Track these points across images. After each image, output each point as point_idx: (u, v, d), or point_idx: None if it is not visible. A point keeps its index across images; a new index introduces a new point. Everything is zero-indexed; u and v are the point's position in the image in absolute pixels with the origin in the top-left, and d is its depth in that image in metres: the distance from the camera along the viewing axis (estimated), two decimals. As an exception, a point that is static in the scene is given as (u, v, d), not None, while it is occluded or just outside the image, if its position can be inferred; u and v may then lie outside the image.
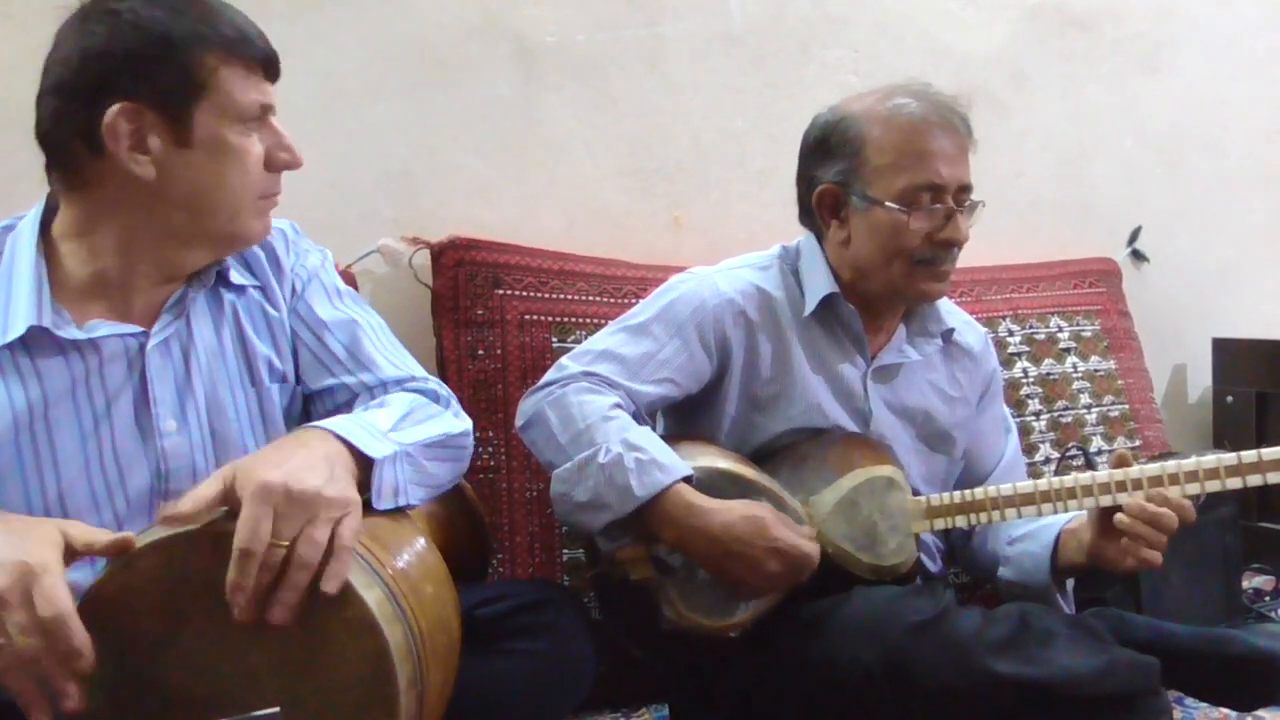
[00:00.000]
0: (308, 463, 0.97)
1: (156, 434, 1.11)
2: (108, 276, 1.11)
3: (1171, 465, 1.33)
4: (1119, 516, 1.31)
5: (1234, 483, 1.32)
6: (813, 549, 1.32)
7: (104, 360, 1.09)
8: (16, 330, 1.05)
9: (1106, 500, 1.35)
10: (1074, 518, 1.44)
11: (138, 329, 1.11)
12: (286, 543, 0.91)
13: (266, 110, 1.12)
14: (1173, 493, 1.31)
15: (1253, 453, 1.31)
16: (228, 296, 1.19)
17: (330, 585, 0.91)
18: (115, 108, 1.03)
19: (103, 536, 0.95)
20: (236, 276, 1.19)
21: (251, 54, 1.09)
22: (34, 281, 1.07)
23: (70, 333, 1.07)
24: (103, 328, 1.09)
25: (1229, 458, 1.32)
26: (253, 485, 0.92)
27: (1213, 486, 1.32)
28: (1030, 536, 1.48)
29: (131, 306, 1.12)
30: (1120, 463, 1.36)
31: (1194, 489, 1.32)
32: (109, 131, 1.04)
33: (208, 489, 0.95)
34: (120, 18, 1.04)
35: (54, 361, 1.07)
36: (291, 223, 1.26)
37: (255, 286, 1.21)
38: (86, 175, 1.07)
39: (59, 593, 0.88)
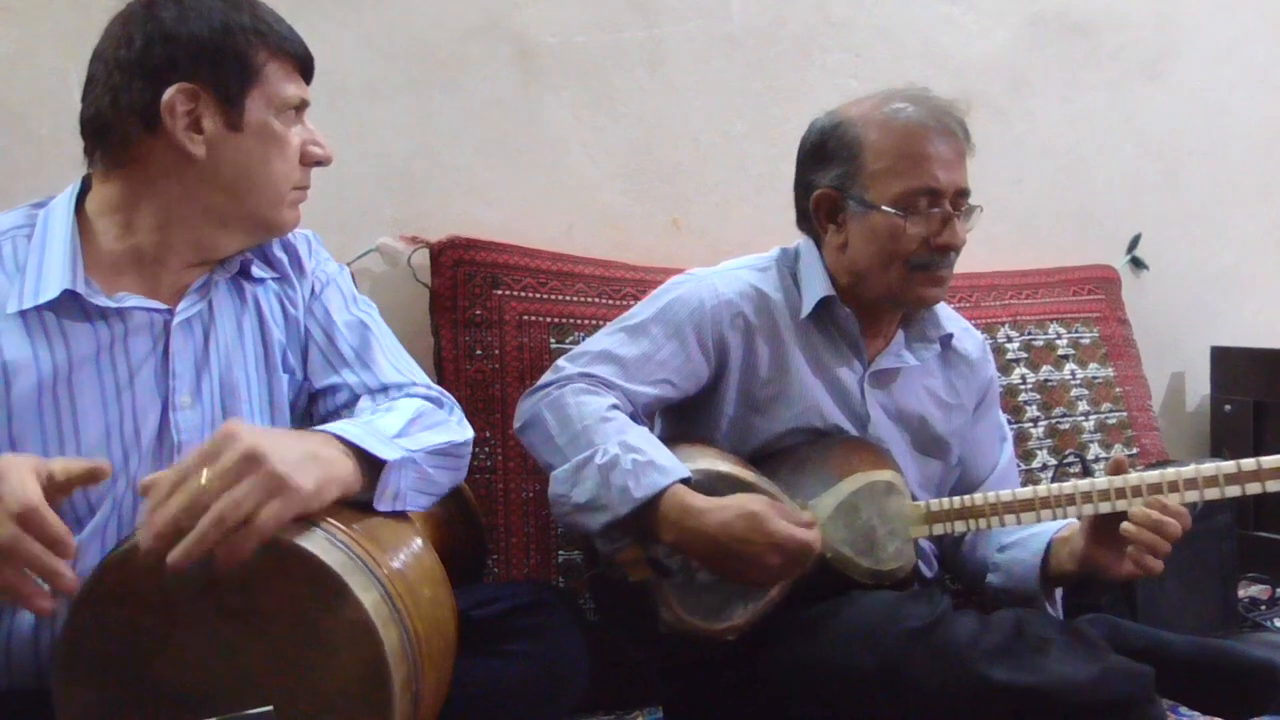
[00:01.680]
0: (291, 447, 0.97)
1: (172, 408, 1.14)
2: (142, 252, 1.15)
3: (1171, 472, 1.33)
4: (1125, 525, 1.31)
5: (1233, 490, 1.32)
6: (812, 536, 1.31)
7: (130, 330, 1.13)
8: (50, 293, 1.08)
9: (1105, 507, 1.34)
10: (1064, 526, 1.44)
11: (164, 306, 1.14)
12: (206, 482, 0.90)
13: (304, 105, 1.19)
14: (1171, 500, 1.32)
15: (1252, 460, 1.32)
16: (249, 287, 1.23)
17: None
18: (175, 87, 1.09)
19: (78, 465, 0.96)
20: (259, 270, 1.23)
21: (294, 51, 1.17)
22: (69, 250, 1.10)
23: (101, 300, 1.10)
24: (131, 299, 1.12)
25: (1228, 465, 1.33)
26: (223, 432, 0.94)
27: (1212, 494, 1.33)
28: (1020, 544, 1.48)
29: (160, 284, 1.16)
30: (1117, 469, 1.36)
31: (1193, 496, 1.33)
32: (167, 109, 1.09)
33: (200, 446, 0.95)
34: (185, 5, 1.11)
35: (82, 326, 1.11)
36: (312, 232, 1.32)
37: (275, 278, 1.25)
38: (134, 153, 1.12)
39: (24, 487, 0.89)
